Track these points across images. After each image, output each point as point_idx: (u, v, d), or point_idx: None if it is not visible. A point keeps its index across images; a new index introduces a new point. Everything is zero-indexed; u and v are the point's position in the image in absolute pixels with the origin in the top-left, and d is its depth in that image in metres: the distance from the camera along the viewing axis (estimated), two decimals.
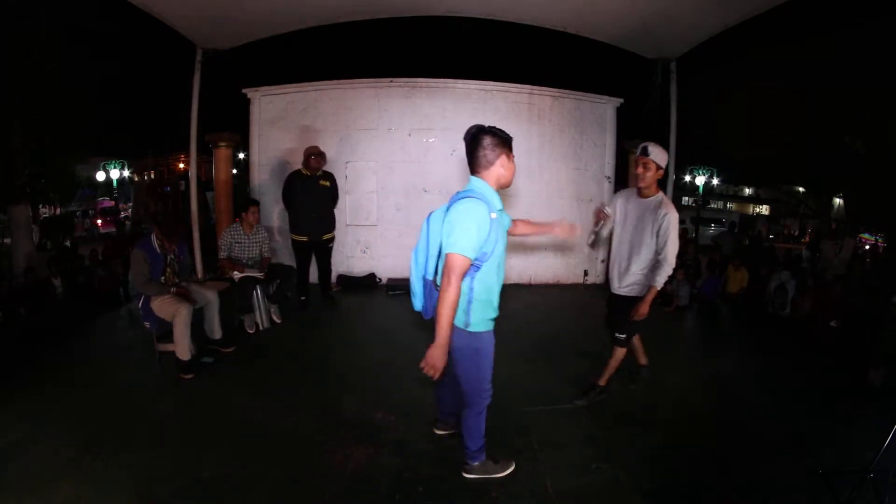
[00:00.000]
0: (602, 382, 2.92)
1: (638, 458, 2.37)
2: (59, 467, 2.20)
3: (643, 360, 3.16)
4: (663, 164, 2.60)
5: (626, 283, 2.72)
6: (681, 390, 3.19)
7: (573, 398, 2.90)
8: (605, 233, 2.85)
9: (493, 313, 1.98)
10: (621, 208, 2.76)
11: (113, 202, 21.41)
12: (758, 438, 2.60)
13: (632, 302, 2.68)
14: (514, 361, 3.54)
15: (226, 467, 2.22)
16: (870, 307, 4.26)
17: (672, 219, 2.52)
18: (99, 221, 19.29)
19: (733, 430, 2.70)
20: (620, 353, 2.86)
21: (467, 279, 1.84)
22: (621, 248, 2.72)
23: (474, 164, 1.90)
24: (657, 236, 2.54)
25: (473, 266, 1.81)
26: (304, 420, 2.66)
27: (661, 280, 2.54)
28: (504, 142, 1.90)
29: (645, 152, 2.58)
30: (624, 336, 2.80)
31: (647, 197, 2.64)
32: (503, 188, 1.95)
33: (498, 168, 1.89)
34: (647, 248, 2.60)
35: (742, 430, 2.69)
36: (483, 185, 1.89)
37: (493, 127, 1.90)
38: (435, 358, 1.76)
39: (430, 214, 2.00)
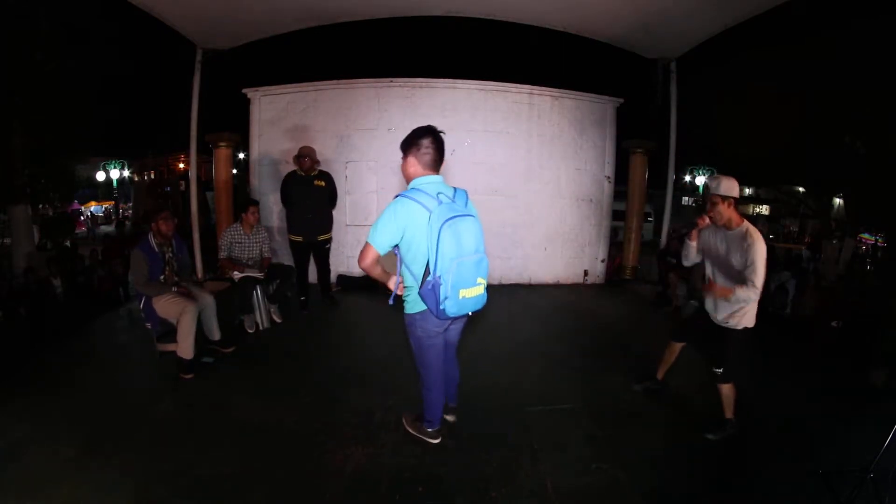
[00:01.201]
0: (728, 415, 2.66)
1: (638, 458, 2.37)
2: (59, 467, 2.20)
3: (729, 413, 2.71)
4: (731, 195, 2.45)
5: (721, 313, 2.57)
6: (681, 390, 3.18)
7: (706, 433, 2.62)
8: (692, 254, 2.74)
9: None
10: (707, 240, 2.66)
11: (79, 205, 21.50)
12: (758, 438, 2.60)
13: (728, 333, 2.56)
14: (515, 361, 3.55)
15: (226, 467, 2.22)
16: (870, 307, 4.27)
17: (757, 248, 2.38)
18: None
19: (733, 430, 2.70)
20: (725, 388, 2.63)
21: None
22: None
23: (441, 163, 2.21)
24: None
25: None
26: (304, 420, 2.66)
27: (742, 293, 2.38)
28: None
29: (707, 190, 2.51)
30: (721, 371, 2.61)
31: (731, 229, 2.50)
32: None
33: None
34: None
35: (742, 430, 2.68)
36: None
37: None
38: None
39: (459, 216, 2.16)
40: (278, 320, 4.29)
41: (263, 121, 5.75)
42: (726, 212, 2.45)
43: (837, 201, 17.89)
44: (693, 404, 3.00)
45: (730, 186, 2.44)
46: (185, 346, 3.12)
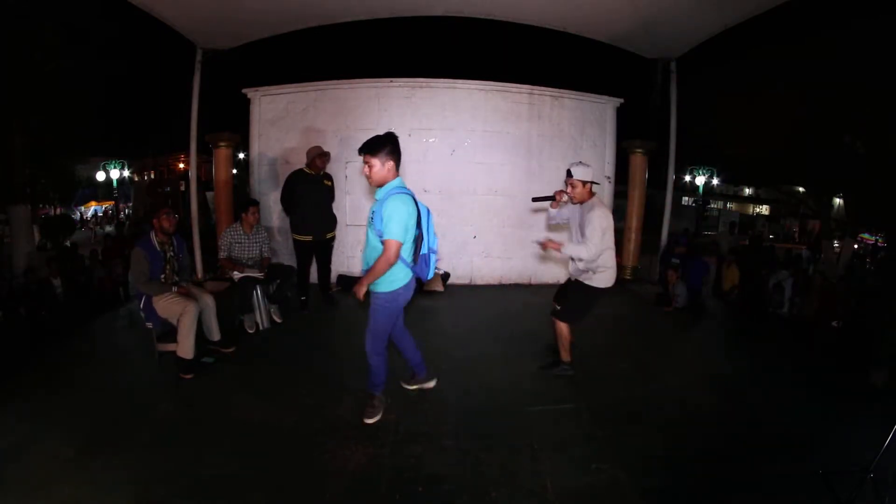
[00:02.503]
0: (565, 357, 3.24)
1: (638, 458, 2.37)
2: (59, 467, 2.20)
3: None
4: (587, 179, 3.00)
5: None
6: (680, 390, 3.18)
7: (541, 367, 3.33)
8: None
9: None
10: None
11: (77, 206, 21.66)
12: (758, 438, 2.60)
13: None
14: (515, 361, 3.55)
15: (226, 467, 2.22)
16: (870, 308, 4.27)
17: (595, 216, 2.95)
18: None
19: (733, 430, 2.70)
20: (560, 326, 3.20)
21: None
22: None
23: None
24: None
25: None
26: (304, 420, 2.66)
27: (570, 248, 3.02)
28: None
29: (569, 174, 3.03)
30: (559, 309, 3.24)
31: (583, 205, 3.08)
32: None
33: None
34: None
35: (742, 430, 2.69)
36: None
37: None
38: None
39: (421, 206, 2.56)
40: (278, 320, 4.29)
41: (263, 121, 5.75)
42: (582, 192, 3.01)
43: (837, 201, 17.89)
44: (693, 404, 3.00)
45: (586, 172, 3.00)
46: (185, 346, 3.12)
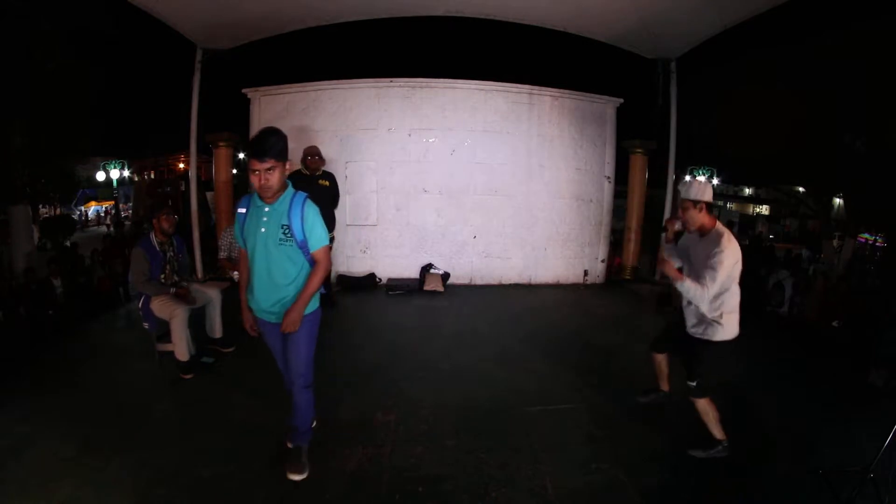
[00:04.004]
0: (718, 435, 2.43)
1: (638, 458, 2.37)
2: (59, 467, 2.20)
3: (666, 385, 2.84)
4: (700, 198, 2.34)
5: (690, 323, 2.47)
6: (681, 390, 3.18)
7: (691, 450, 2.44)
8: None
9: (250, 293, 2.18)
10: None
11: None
12: (758, 438, 2.60)
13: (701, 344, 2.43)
14: (515, 361, 3.55)
15: (226, 467, 2.22)
16: (870, 307, 4.27)
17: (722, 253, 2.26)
18: None
19: (733, 430, 2.69)
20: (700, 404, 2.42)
21: None
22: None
23: None
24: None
25: None
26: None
27: (687, 286, 2.29)
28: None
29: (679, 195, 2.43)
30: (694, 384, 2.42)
31: (704, 235, 2.40)
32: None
33: None
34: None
35: (742, 430, 2.68)
36: None
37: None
38: None
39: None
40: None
41: (263, 121, 5.74)
42: (698, 217, 2.35)
43: (837, 201, 17.89)
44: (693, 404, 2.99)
45: (701, 190, 2.34)
46: (179, 349, 3.12)
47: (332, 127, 5.66)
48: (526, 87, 5.80)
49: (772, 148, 10.67)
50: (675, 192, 6.19)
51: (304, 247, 2.05)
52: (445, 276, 5.68)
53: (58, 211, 19.13)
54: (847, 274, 6.39)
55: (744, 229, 19.80)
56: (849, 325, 4.26)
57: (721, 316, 2.32)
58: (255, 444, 2.42)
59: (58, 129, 9.16)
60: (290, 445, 2.27)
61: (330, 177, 4.66)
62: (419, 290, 5.47)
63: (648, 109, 6.16)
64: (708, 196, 2.34)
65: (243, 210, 2.13)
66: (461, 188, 5.79)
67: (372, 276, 5.72)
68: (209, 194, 8.47)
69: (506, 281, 5.95)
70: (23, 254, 8.41)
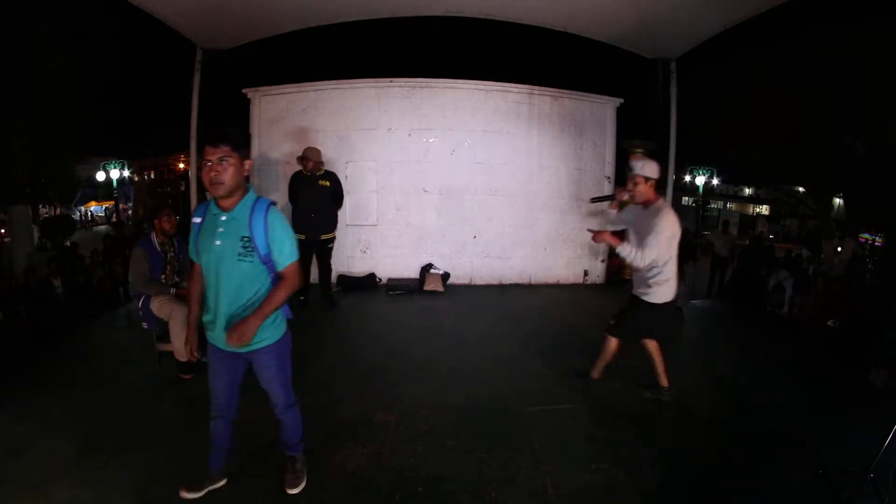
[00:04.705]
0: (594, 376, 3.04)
1: (638, 458, 2.37)
2: (59, 467, 2.20)
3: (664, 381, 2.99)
4: (652, 175, 2.68)
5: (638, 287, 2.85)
6: (680, 390, 3.18)
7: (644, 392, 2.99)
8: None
9: (204, 315, 1.90)
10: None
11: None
12: (758, 438, 2.60)
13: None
14: (515, 361, 3.55)
15: (226, 467, 2.21)
16: (870, 307, 4.26)
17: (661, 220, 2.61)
18: None
19: (733, 430, 2.70)
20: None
21: None
22: None
23: None
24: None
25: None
26: (304, 420, 2.65)
27: (626, 249, 2.64)
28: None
29: (630, 169, 2.73)
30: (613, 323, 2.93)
31: (647, 207, 2.73)
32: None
33: None
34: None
35: (742, 430, 2.69)
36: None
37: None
38: None
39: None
40: None
41: (263, 121, 5.75)
42: (646, 190, 2.67)
43: (837, 201, 17.90)
44: (693, 404, 3.00)
45: (652, 169, 2.67)
46: (178, 349, 3.12)
47: (332, 127, 5.67)
48: (526, 87, 5.80)
49: (772, 148, 10.68)
50: (676, 191, 6.18)
51: (268, 262, 1.78)
52: (445, 276, 5.69)
53: (58, 211, 19.15)
54: (847, 274, 6.38)
55: (744, 229, 19.79)
56: (847, 325, 4.26)
57: (657, 280, 2.68)
58: (254, 444, 2.42)
59: (58, 129, 9.17)
60: (285, 454, 2.17)
61: (331, 177, 4.65)
62: (419, 290, 5.47)
63: (648, 109, 6.16)
64: (656, 174, 2.69)
65: (198, 220, 1.83)
66: (461, 188, 5.79)
67: (372, 276, 5.72)
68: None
69: (506, 281, 5.95)
70: (23, 254, 8.41)
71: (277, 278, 1.83)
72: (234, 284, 1.78)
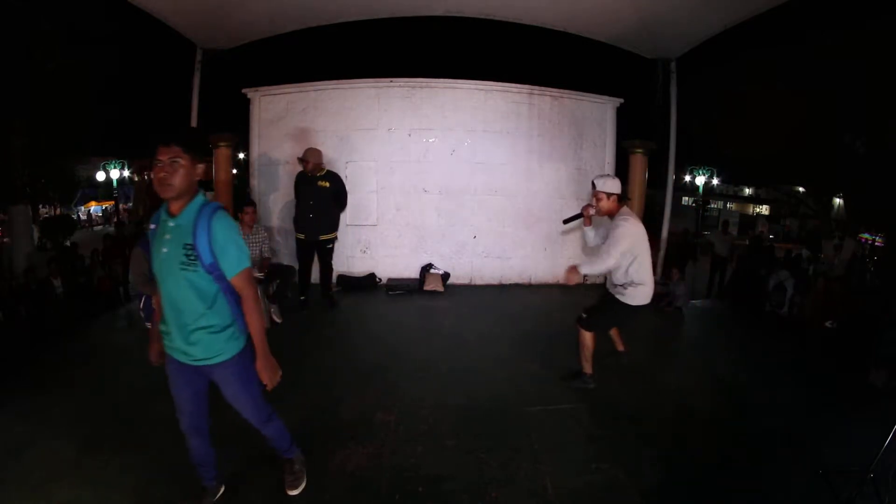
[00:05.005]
0: (586, 370, 3.09)
1: (638, 458, 2.37)
2: (59, 467, 2.20)
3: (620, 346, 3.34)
4: (612, 191, 2.87)
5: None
6: (680, 390, 3.19)
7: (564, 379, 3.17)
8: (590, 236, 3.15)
9: (161, 326, 1.80)
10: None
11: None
12: (758, 438, 2.60)
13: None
14: (515, 362, 3.55)
15: (226, 467, 2.21)
16: (870, 307, 4.27)
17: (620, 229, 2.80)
18: None
19: (733, 430, 2.70)
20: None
21: None
22: None
23: None
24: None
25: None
26: (304, 420, 2.66)
27: (585, 268, 2.85)
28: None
29: (593, 186, 2.90)
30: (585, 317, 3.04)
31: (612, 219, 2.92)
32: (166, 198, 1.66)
33: None
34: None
35: (742, 430, 2.69)
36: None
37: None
38: None
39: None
40: (278, 320, 4.29)
41: (263, 121, 5.75)
42: (608, 205, 2.87)
43: (837, 201, 17.90)
44: (693, 404, 3.00)
45: (613, 185, 2.87)
46: None
47: (333, 127, 5.66)
48: (526, 87, 5.80)
49: (772, 148, 10.69)
50: (676, 191, 6.16)
51: (213, 271, 1.65)
52: (445, 276, 5.69)
53: (58, 211, 19.14)
54: (847, 274, 6.39)
55: (744, 229, 19.78)
56: (847, 325, 4.26)
57: (630, 284, 2.85)
58: (254, 445, 2.42)
59: (58, 129, 9.17)
60: (282, 457, 2.14)
61: (332, 177, 4.63)
62: (419, 290, 5.47)
63: (648, 109, 6.16)
64: (617, 189, 2.88)
65: (153, 226, 1.72)
66: (461, 188, 5.79)
67: (372, 276, 5.72)
68: (209, 194, 8.46)
69: (506, 281, 5.95)
70: (23, 254, 8.41)
71: (230, 289, 1.71)
72: (180, 294, 1.67)
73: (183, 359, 1.75)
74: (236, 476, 2.16)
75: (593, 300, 3.19)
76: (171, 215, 1.66)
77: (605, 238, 2.91)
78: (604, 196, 2.86)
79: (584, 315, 3.02)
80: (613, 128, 6.08)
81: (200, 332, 1.70)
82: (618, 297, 2.91)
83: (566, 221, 3.21)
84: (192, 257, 1.62)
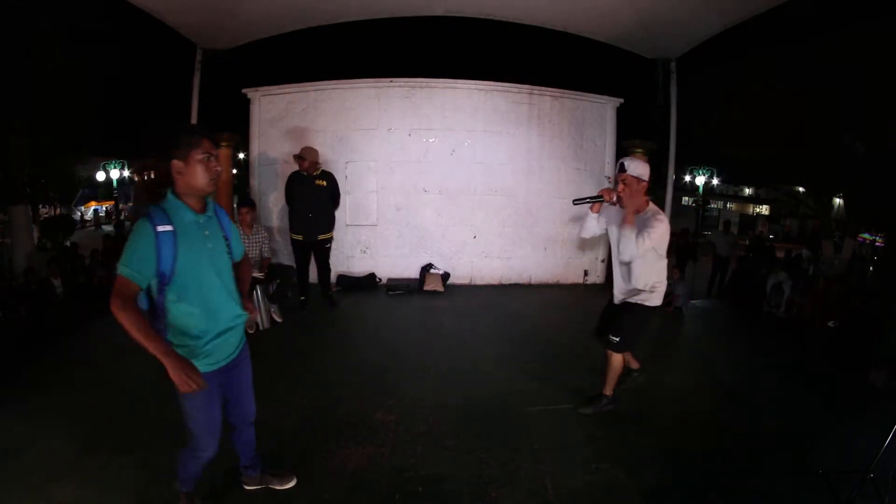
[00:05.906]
0: (607, 391, 2.79)
1: (638, 458, 2.37)
2: (59, 467, 2.20)
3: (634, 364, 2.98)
4: (644, 176, 2.49)
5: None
6: (680, 390, 3.19)
7: (579, 408, 2.83)
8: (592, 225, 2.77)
9: (194, 343, 1.68)
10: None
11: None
12: (758, 438, 2.60)
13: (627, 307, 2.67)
14: (515, 362, 3.55)
15: (226, 467, 2.21)
16: (870, 308, 4.27)
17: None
18: None
19: (733, 430, 2.70)
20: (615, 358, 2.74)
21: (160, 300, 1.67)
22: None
23: None
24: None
25: (161, 287, 1.63)
26: (304, 420, 2.66)
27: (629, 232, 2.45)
28: (169, 144, 1.58)
29: (621, 168, 2.51)
30: (618, 339, 2.67)
31: (638, 213, 2.55)
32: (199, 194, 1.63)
33: (176, 175, 1.60)
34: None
35: (742, 430, 2.69)
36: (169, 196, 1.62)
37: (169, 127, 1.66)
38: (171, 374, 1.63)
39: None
40: (278, 320, 4.29)
41: (263, 121, 5.75)
42: (636, 193, 2.47)
43: (837, 201, 17.90)
44: (693, 404, 3.00)
45: (644, 169, 2.48)
46: None
47: (333, 127, 5.67)
48: (526, 87, 5.80)
49: (772, 148, 10.67)
50: (676, 191, 6.17)
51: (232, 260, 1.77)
52: (445, 276, 5.69)
53: (58, 211, 19.14)
54: (847, 274, 6.39)
55: (744, 229, 19.78)
56: (847, 326, 4.26)
57: (658, 284, 2.58)
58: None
59: (58, 129, 9.16)
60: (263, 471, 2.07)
61: (328, 177, 4.65)
62: (419, 290, 5.48)
63: (648, 109, 6.16)
64: (647, 174, 2.49)
65: (168, 227, 1.55)
66: (461, 188, 5.79)
67: (372, 276, 5.72)
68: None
69: (505, 281, 5.95)
70: (23, 254, 8.40)
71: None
72: (232, 285, 1.78)
73: (222, 362, 1.72)
74: (236, 476, 2.15)
75: (606, 319, 2.81)
76: (197, 212, 1.64)
77: (615, 231, 2.61)
78: (633, 181, 2.45)
79: (616, 338, 2.63)
80: (613, 128, 6.08)
81: (242, 317, 1.77)
82: (641, 303, 2.59)
83: (578, 202, 2.76)
84: (229, 249, 1.75)
